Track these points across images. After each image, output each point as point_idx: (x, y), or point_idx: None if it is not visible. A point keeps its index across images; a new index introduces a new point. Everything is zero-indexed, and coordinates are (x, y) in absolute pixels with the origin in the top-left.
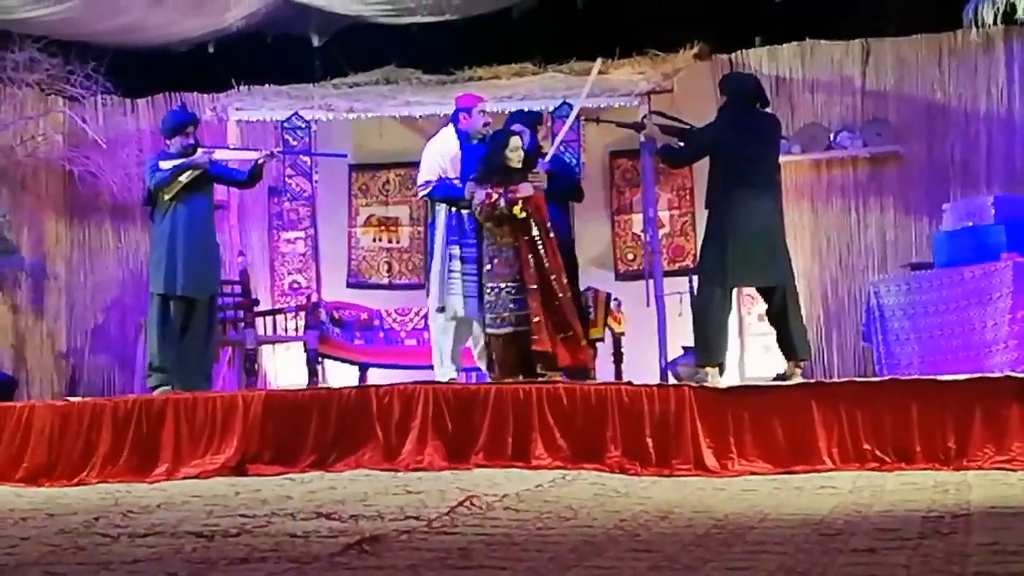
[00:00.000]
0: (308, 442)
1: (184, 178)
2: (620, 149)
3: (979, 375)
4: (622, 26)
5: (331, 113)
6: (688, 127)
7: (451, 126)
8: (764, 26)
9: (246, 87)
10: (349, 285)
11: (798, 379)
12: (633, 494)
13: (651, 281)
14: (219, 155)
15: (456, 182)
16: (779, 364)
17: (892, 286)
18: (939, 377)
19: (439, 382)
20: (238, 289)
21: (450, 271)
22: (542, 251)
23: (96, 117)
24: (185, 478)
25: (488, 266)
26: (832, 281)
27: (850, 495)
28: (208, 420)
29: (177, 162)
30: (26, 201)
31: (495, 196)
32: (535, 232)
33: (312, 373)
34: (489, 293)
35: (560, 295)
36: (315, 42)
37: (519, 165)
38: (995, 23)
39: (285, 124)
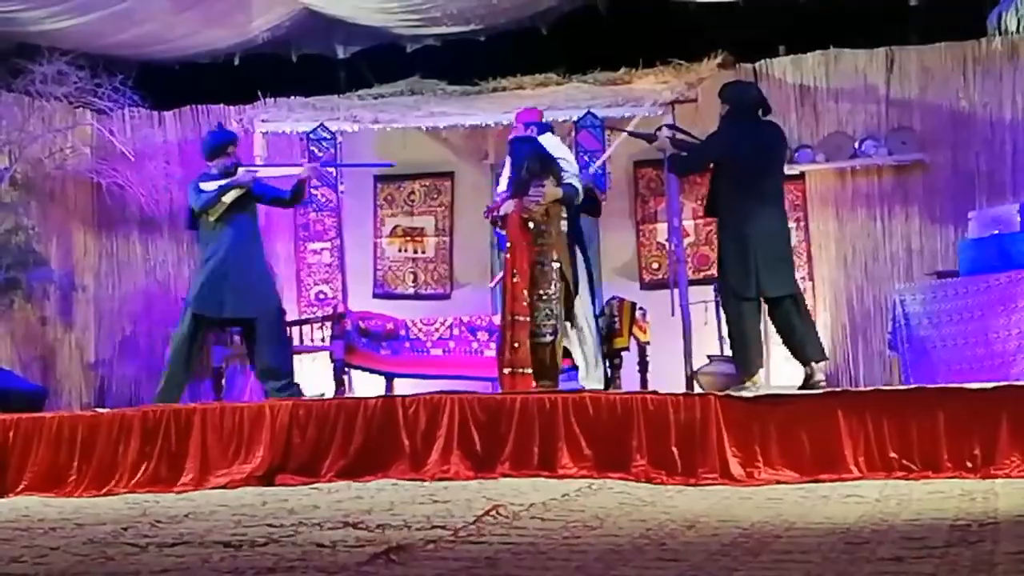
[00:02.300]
0: (335, 452)
1: (228, 198)
2: (644, 159)
3: (1005, 383)
4: (646, 36)
5: (356, 124)
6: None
7: (548, 134)
8: (788, 35)
9: (272, 99)
10: (375, 295)
11: (821, 377)
12: (659, 503)
13: (676, 290)
14: (261, 173)
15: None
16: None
17: (918, 294)
18: (965, 385)
19: (468, 392)
20: None
21: None
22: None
23: (124, 129)
24: (213, 488)
25: None
26: (857, 289)
27: (877, 504)
28: (235, 430)
29: (221, 183)
30: (54, 213)
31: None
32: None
33: (338, 383)
34: None
35: (505, 318)
36: (340, 54)
37: (527, 175)
38: (1019, 31)
39: (311, 136)
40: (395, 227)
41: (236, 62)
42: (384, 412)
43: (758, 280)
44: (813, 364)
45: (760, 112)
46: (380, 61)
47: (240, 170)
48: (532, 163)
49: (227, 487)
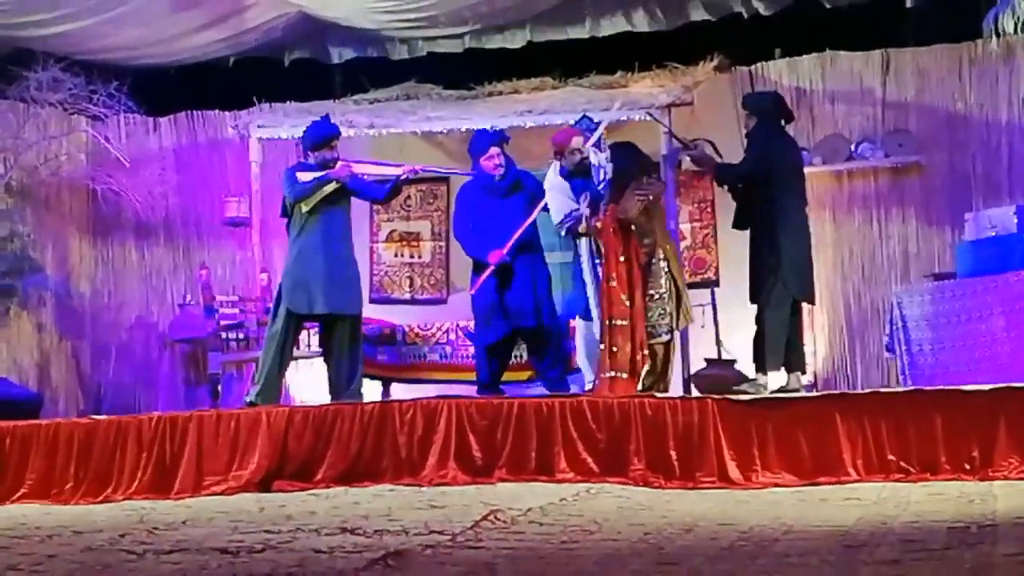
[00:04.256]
0: (331, 457)
1: (325, 191)
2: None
3: (1003, 385)
4: (641, 39)
5: (352, 129)
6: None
7: (556, 163)
8: (784, 38)
9: (267, 105)
10: (371, 300)
11: (797, 386)
12: (657, 507)
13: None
14: (359, 169)
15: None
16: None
17: (915, 296)
18: (963, 387)
19: (465, 397)
20: (261, 306)
21: (592, 286)
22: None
23: (119, 136)
24: (210, 494)
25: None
26: (855, 292)
27: (875, 506)
28: (232, 436)
29: (319, 174)
30: (50, 220)
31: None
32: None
33: (359, 393)
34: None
35: (603, 322)
36: (335, 58)
37: (602, 185)
38: (1016, 32)
39: None
40: (391, 232)
41: (231, 67)
42: (381, 417)
43: (812, 285)
44: (798, 374)
45: (783, 121)
46: (375, 66)
47: (338, 164)
48: (631, 167)
49: (224, 493)
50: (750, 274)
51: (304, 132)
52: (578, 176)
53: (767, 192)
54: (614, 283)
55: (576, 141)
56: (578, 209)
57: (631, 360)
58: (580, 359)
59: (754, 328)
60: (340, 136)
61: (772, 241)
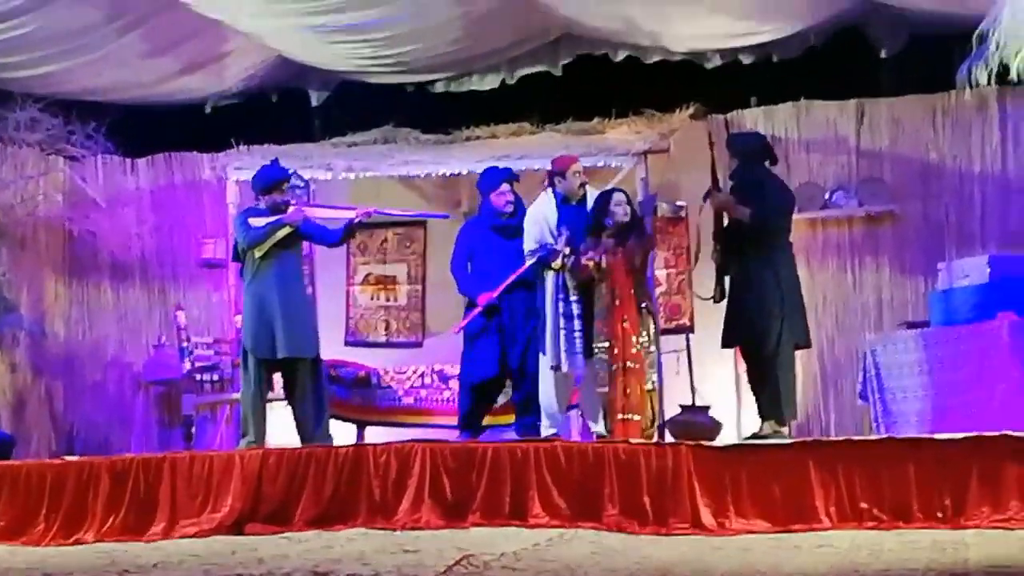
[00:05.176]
0: (305, 501)
1: (278, 236)
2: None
3: (976, 434)
4: (618, 86)
5: (329, 172)
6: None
7: (548, 190)
8: (759, 86)
9: (245, 147)
10: (347, 343)
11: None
12: (630, 553)
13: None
14: (312, 213)
15: (556, 246)
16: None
17: (888, 345)
18: (936, 436)
19: (439, 441)
20: (236, 348)
21: (559, 328)
22: (612, 317)
23: (96, 176)
24: (182, 537)
25: (596, 324)
26: (828, 339)
27: (848, 554)
28: (205, 478)
29: (271, 219)
30: (25, 260)
31: (561, 258)
32: (609, 295)
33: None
34: (595, 352)
35: (615, 364)
36: (313, 102)
37: (626, 219)
38: (989, 83)
39: None
40: (367, 275)
41: (209, 110)
42: (355, 460)
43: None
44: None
45: (767, 163)
46: (353, 109)
47: (291, 208)
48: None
49: (197, 536)
50: (743, 320)
51: (254, 176)
52: (573, 203)
53: (767, 238)
54: (627, 324)
55: (578, 166)
56: (553, 245)
57: (641, 402)
58: (543, 399)
59: (731, 374)
60: (290, 179)
61: (776, 287)
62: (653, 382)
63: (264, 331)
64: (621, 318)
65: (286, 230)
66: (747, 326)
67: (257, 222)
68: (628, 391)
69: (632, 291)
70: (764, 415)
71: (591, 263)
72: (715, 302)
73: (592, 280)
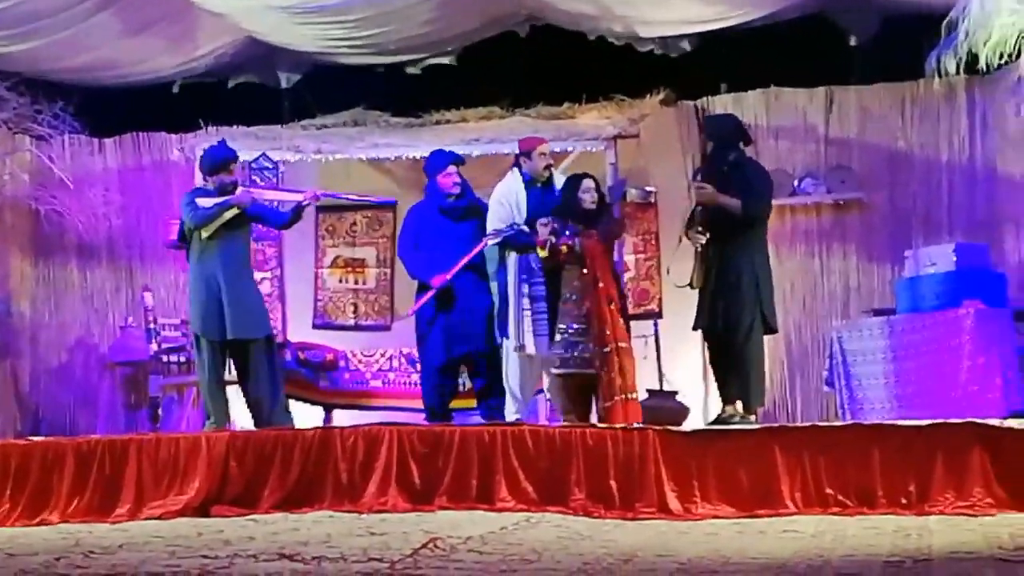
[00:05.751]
0: (272, 483)
1: (226, 216)
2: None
3: (940, 420)
4: (589, 71)
5: (299, 154)
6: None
7: (515, 170)
8: (729, 73)
9: (214, 128)
10: (315, 326)
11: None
12: (597, 537)
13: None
14: (259, 195)
15: (524, 227)
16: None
17: (855, 332)
18: (901, 422)
19: (406, 424)
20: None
21: (523, 310)
22: (593, 298)
23: (63, 156)
24: (147, 519)
25: (562, 307)
26: (795, 326)
27: (812, 539)
28: (171, 460)
29: (219, 200)
30: None
31: (545, 239)
32: (589, 277)
33: (287, 413)
34: (558, 333)
35: (606, 346)
36: (283, 83)
37: (592, 206)
38: (957, 72)
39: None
40: (336, 258)
41: (178, 90)
42: (322, 443)
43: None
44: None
45: (742, 143)
46: (324, 91)
47: (239, 189)
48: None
49: (162, 518)
50: (717, 305)
51: (201, 157)
52: (538, 185)
53: (750, 225)
54: (614, 305)
55: (544, 147)
56: (520, 226)
57: (635, 382)
58: (508, 382)
59: (699, 360)
60: (238, 159)
61: (752, 273)
62: None
63: (212, 313)
64: (607, 299)
65: (233, 211)
66: (722, 311)
67: (205, 203)
68: (624, 371)
69: (611, 274)
70: (728, 398)
71: (564, 247)
72: (692, 288)
73: (563, 264)
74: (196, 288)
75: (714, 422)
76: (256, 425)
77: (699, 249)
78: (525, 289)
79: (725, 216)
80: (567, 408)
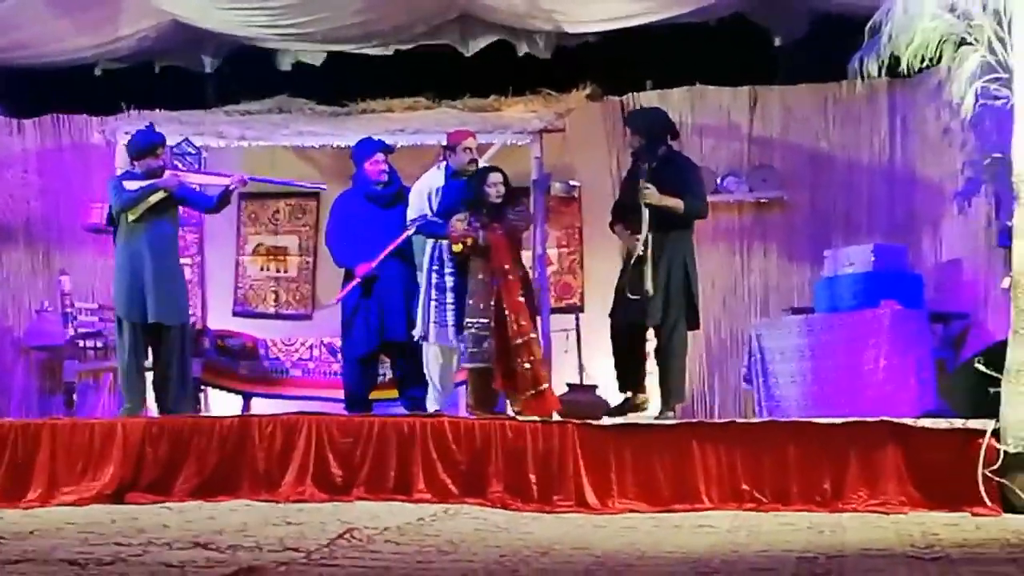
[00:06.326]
0: (187, 471)
1: (152, 200)
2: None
3: (855, 419)
4: (516, 64)
5: (223, 140)
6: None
7: (442, 163)
8: (655, 70)
9: (136, 111)
10: (235, 313)
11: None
12: (514, 530)
13: (539, 318)
14: (187, 179)
15: (436, 219)
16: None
17: (773, 330)
18: (816, 420)
19: (325, 414)
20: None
21: (430, 300)
22: (499, 290)
23: None
24: (60, 505)
25: (469, 300)
26: (715, 323)
27: (727, 534)
28: (86, 446)
29: (145, 183)
30: None
31: (457, 231)
32: (495, 270)
33: (194, 401)
34: (467, 327)
35: (515, 339)
36: (207, 67)
37: (499, 200)
38: (879, 75)
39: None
40: (258, 245)
41: (97, 71)
42: (240, 431)
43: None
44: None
45: (669, 137)
46: (248, 77)
47: (167, 173)
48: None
49: (76, 504)
50: (643, 302)
51: (129, 141)
52: (463, 177)
53: (687, 223)
54: (522, 298)
55: (470, 141)
56: (431, 216)
57: (545, 372)
58: (428, 372)
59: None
60: (165, 144)
61: (683, 270)
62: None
63: (135, 296)
64: (517, 291)
65: (160, 194)
66: (650, 307)
67: (131, 185)
68: (534, 362)
69: (516, 266)
70: (632, 388)
71: (469, 239)
72: (648, 296)
73: (468, 255)
74: (121, 271)
75: (614, 409)
76: (159, 411)
77: (641, 252)
78: (434, 279)
79: (665, 216)
80: (476, 401)
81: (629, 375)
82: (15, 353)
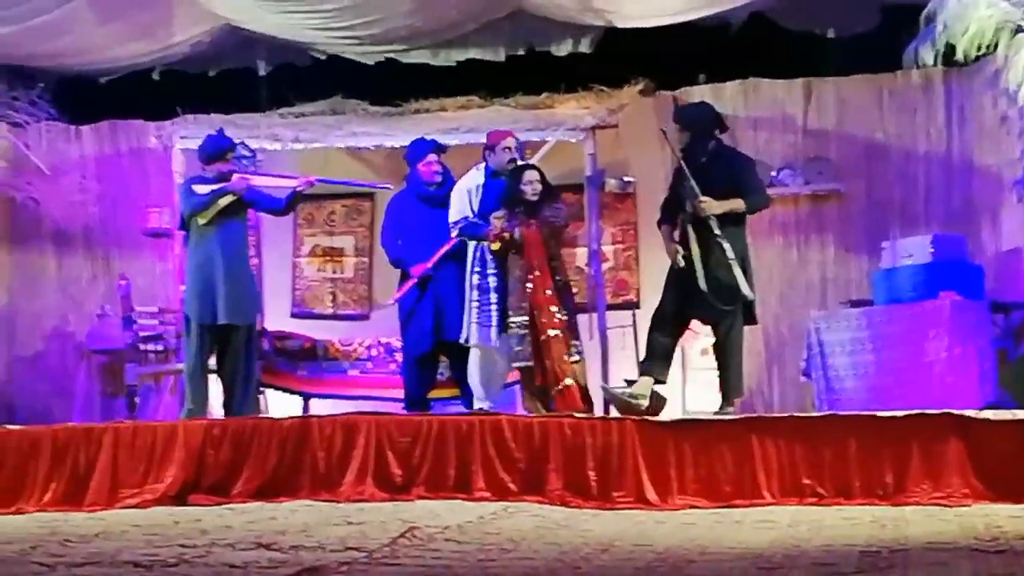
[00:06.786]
0: (248, 472)
1: (221, 203)
2: (565, 183)
3: (917, 411)
4: (568, 60)
5: (277, 143)
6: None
7: (482, 164)
8: (708, 64)
9: (192, 115)
10: (293, 315)
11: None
12: (574, 527)
13: (595, 315)
14: (256, 181)
15: (477, 220)
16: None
17: (832, 322)
18: (877, 413)
19: (385, 413)
20: (180, 318)
21: (471, 301)
22: (531, 287)
23: (40, 143)
24: (124, 507)
25: (510, 298)
26: (773, 316)
27: (789, 529)
28: (148, 449)
29: (215, 187)
30: None
31: (497, 232)
32: (528, 266)
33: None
34: (509, 327)
35: (540, 335)
36: (261, 71)
37: (535, 198)
38: (935, 64)
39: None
40: (315, 247)
41: (156, 77)
42: (299, 432)
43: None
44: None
45: (718, 131)
46: (302, 80)
47: (235, 176)
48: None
49: (139, 506)
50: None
51: (200, 145)
52: (503, 177)
53: (745, 219)
54: (550, 292)
55: (510, 141)
56: (471, 218)
57: (569, 368)
58: (470, 374)
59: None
60: (235, 148)
61: (745, 267)
62: (580, 354)
63: (206, 297)
64: (543, 288)
65: (229, 198)
66: (710, 304)
67: (201, 190)
68: (557, 358)
69: (548, 263)
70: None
71: (506, 235)
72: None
73: (507, 252)
74: (192, 272)
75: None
76: (225, 413)
77: (681, 264)
78: (476, 280)
79: (727, 216)
80: (528, 398)
81: (655, 361)
82: (77, 357)
